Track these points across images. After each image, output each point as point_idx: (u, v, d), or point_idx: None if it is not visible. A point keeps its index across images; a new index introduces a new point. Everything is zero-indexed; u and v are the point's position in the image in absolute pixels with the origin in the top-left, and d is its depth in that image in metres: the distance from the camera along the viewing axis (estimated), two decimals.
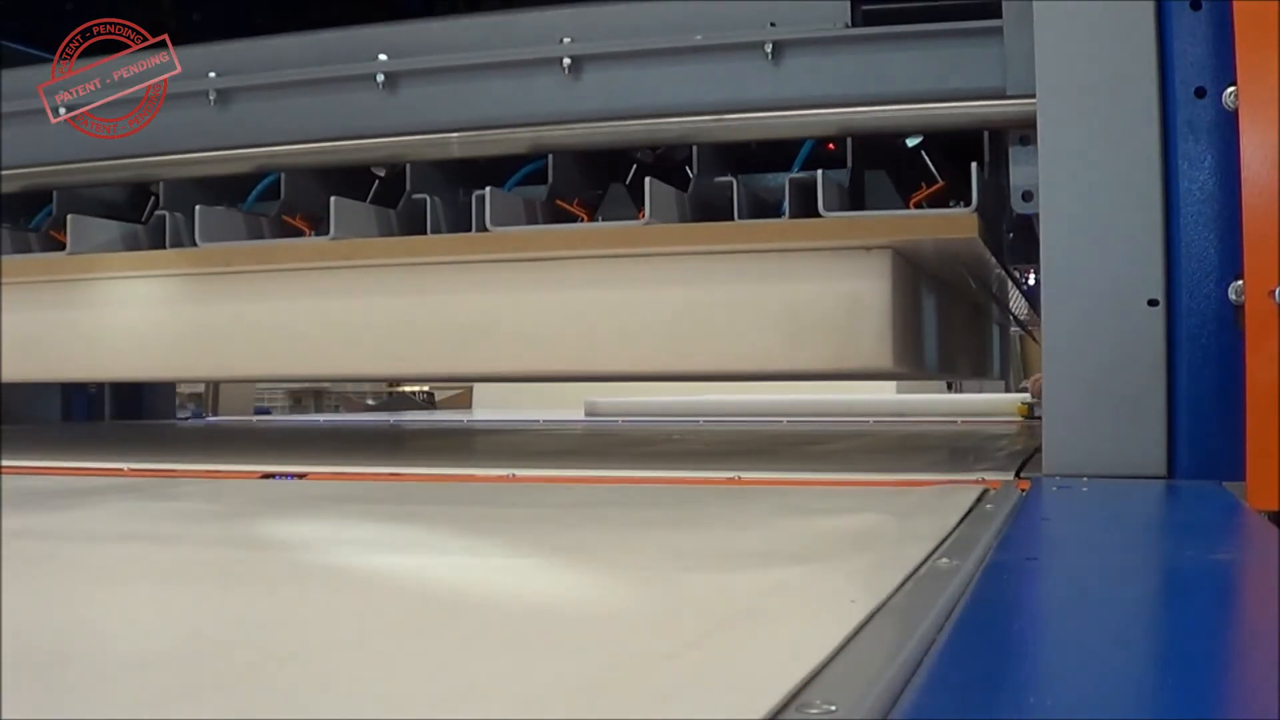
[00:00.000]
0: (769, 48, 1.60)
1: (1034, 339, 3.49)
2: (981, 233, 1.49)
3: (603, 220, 1.75)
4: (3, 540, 0.95)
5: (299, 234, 1.82)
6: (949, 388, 5.10)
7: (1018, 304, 2.92)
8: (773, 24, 1.63)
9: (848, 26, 1.61)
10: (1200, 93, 1.34)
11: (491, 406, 5.06)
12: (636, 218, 1.60)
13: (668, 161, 1.77)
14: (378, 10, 2.01)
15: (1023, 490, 1.24)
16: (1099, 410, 1.36)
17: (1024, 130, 1.49)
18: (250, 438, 2.75)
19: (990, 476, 1.34)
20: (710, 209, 1.65)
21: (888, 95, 1.57)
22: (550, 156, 1.73)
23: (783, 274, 1.54)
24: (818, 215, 1.52)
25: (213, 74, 1.84)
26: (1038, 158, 1.40)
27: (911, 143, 1.66)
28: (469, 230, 1.67)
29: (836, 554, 0.85)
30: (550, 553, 0.94)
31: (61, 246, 1.87)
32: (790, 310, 1.53)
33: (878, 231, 1.51)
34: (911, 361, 1.61)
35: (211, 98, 1.82)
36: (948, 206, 1.58)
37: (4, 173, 1.92)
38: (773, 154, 1.76)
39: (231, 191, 1.90)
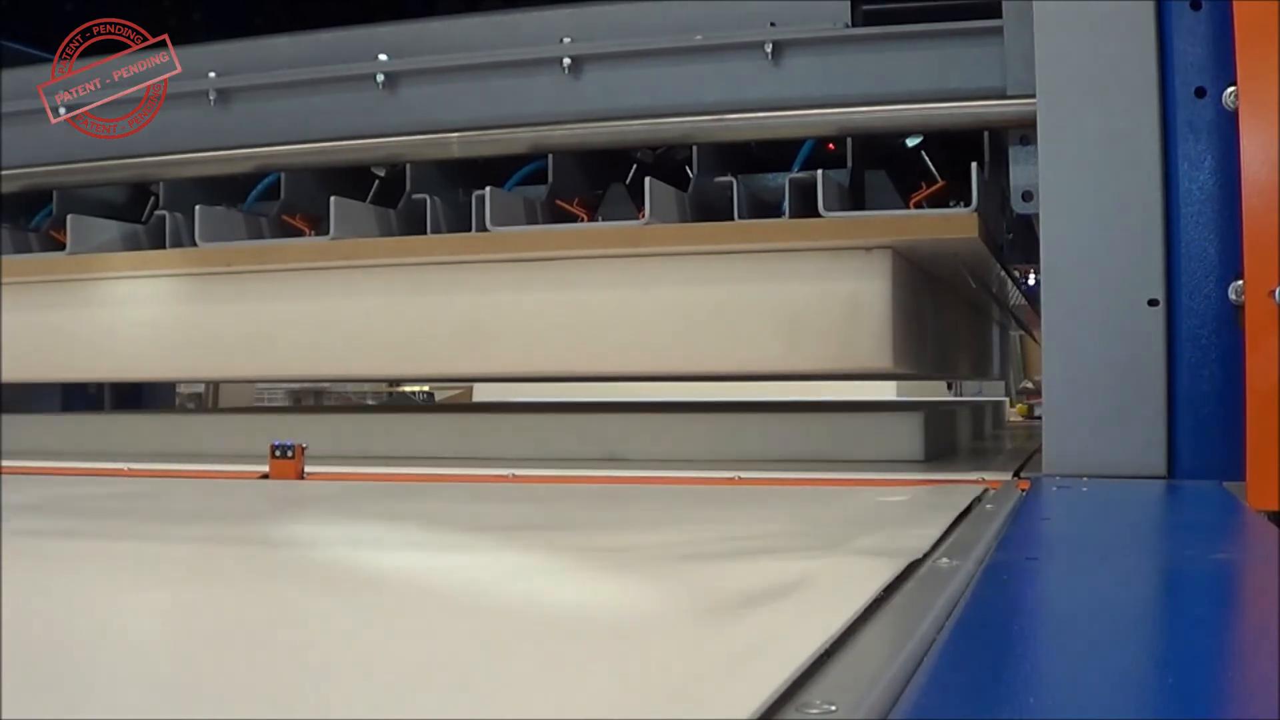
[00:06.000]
0: (769, 48, 1.60)
1: (1034, 339, 3.49)
2: (981, 233, 1.49)
3: (603, 220, 1.75)
4: (3, 540, 0.95)
5: (299, 234, 1.82)
6: (949, 388, 5.09)
7: (1018, 304, 2.92)
8: (773, 24, 1.63)
9: (848, 26, 1.61)
10: (1200, 93, 1.34)
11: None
12: (636, 218, 1.60)
13: (668, 161, 1.77)
14: (378, 10, 2.01)
15: (1023, 490, 1.24)
16: (1099, 410, 1.36)
17: (1024, 130, 1.49)
18: None
19: (990, 476, 1.34)
20: (710, 209, 1.65)
21: (888, 95, 1.57)
22: (550, 156, 1.73)
23: (783, 274, 1.53)
24: (818, 215, 1.51)
25: (213, 74, 1.84)
26: (1038, 158, 1.40)
27: (911, 143, 1.66)
28: (469, 230, 1.66)
29: (835, 554, 0.84)
30: (546, 552, 0.94)
31: (61, 246, 1.87)
32: (790, 310, 1.53)
33: (878, 231, 1.51)
34: (911, 362, 1.60)
35: (211, 98, 1.82)
36: (948, 206, 1.58)
37: (4, 173, 1.92)
38: (773, 154, 1.76)
39: (231, 191, 1.90)
